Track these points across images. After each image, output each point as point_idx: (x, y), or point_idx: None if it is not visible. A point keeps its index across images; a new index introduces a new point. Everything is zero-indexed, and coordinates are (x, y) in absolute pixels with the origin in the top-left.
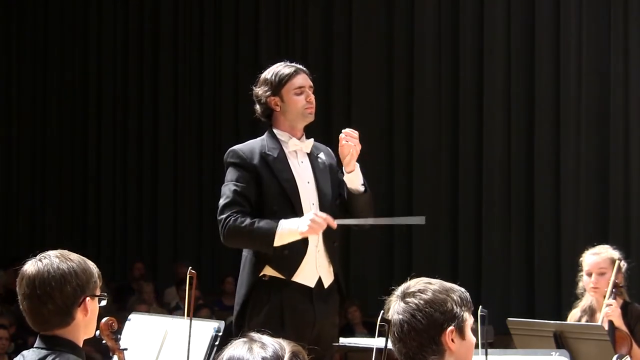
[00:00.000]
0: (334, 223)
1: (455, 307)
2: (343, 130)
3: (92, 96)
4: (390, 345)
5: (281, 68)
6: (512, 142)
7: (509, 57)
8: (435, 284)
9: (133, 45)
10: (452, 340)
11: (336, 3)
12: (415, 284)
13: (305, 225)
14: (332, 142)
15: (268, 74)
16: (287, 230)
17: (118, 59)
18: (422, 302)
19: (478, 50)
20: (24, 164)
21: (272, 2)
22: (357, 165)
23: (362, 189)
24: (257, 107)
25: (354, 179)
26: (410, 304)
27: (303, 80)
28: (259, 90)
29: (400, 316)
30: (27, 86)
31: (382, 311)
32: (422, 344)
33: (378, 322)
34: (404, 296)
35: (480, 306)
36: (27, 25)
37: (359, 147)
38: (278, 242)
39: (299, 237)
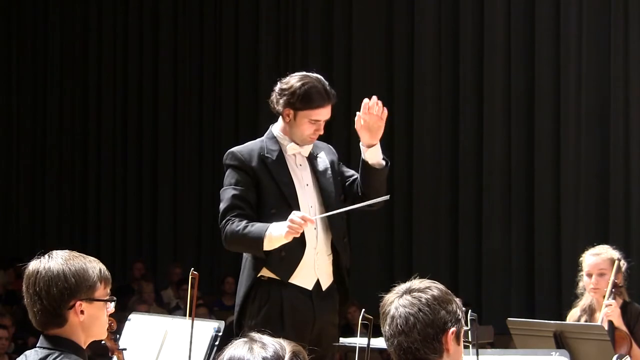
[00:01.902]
0: (312, 220)
1: (458, 310)
2: (365, 102)
3: (92, 97)
4: (382, 343)
5: (313, 91)
6: (512, 142)
7: (509, 57)
8: (440, 285)
9: (133, 45)
10: (451, 342)
11: (336, 3)
12: (419, 282)
13: (286, 228)
14: (332, 142)
15: (298, 84)
16: (274, 236)
17: (118, 59)
18: (430, 297)
19: (478, 50)
20: (24, 163)
21: (272, 2)
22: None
23: (383, 162)
24: (273, 101)
25: (375, 154)
26: (418, 298)
27: (325, 114)
28: (280, 96)
29: (407, 309)
30: (27, 86)
31: (363, 310)
32: (426, 339)
33: (360, 320)
34: (410, 291)
35: (470, 310)
36: (27, 26)
37: (382, 121)
38: (267, 246)
39: (285, 241)
